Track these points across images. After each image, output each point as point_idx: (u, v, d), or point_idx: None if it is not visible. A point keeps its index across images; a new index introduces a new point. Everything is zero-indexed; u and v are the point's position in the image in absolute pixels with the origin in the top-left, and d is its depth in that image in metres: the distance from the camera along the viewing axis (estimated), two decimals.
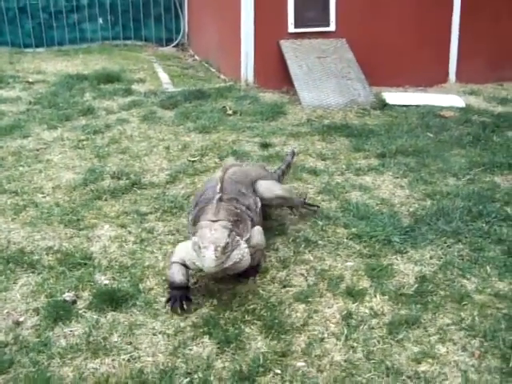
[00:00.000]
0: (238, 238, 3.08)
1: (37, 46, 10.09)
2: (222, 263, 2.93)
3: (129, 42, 10.39)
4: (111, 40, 10.35)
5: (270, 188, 3.80)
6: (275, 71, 7.14)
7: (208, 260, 2.88)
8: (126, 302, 3.17)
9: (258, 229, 3.37)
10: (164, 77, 8.04)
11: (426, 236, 3.78)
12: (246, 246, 3.11)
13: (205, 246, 2.91)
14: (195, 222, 3.29)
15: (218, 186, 3.44)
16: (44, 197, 4.45)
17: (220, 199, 3.32)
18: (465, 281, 3.33)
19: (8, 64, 8.94)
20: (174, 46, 10.39)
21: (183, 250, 3.19)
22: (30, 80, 7.86)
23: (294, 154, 4.72)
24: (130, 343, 2.87)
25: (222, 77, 8.01)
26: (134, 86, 7.45)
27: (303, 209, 4.09)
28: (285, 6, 7.10)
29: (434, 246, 3.68)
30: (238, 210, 3.33)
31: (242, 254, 3.05)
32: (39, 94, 7.15)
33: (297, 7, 7.09)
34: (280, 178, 4.26)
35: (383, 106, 6.55)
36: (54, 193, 4.51)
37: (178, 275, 3.15)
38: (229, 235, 2.99)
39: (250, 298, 3.18)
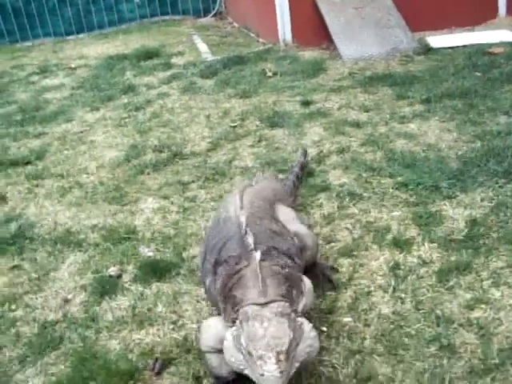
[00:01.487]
0: (299, 320, 2.13)
1: (78, 33, 10.20)
2: (288, 373, 1.99)
3: (167, 17, 10.37)
4: (149, 17, 10.36)
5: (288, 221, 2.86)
6: (313, 28, 6.94)
7: (271, 380, 1.92)
8: (169, 272, 3.15)
9: (307, 285, 2.44)
10: (203, 47, 7.97)
11: (476, 178, 3.60)
12: (310, 327, 2.15)
13: (261, 356, 1.95)
14: (215, 268, 2.47)
15: (248, 239, 2.43)
16: (88, 177, 4.48)
17: (262, 259, 2.32)
18: None
19: (51, 53, 9.09)
20: (212, 16, 10.29)
21: (212, 337, 2.30)
22: (73, 66, 7.96)
23: (306, 153, 4.02)
24: (175, 312, 2.86)
25: (261, 40, 7.86)
26: (174, 60, 7.42)
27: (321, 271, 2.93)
28: None
29: (485, 188, 3.49)
30: (286, 270, 2.36)
31: (309, 345, 2.11)
32: (82, 79, 7.22)
33: None
34: (295, 184, 3.55)
35: (427, 50, 6.27)
36: (97, 172, 4.54)
37: (221, 368, 2.29)
38: (290, 326, 2.04)
39: None
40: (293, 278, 2.35)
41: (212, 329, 2.32)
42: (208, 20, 10.19)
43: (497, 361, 2.29)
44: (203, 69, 6.72)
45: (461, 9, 7.09)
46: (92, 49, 8.95)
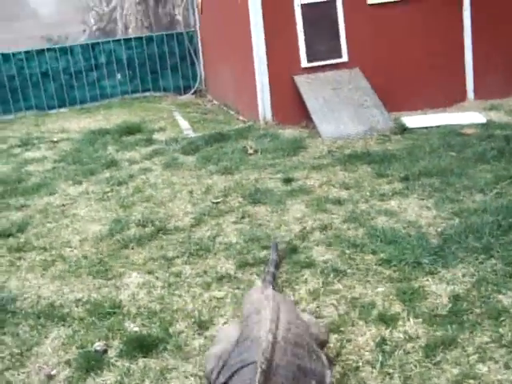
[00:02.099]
0: None
1: (60, 107, 10.40)
2: None
3: (147, 93, 10.64)
4: (130, 94, 10.63)
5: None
6: (292, 107, 7.19)
7: None
8: (156, 347, 3.13)
9: None
10: (184, 124, 8.16)
11: (457, 254, 3.69)
12: None
13: None
14: None
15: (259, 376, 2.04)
16: (72, 250, 4.48)
17: None
18: (501, 296, 3.22)
19: (34, 126, 9.21)
20: (192, 94, 10.59)
21: None
22: (55, 139, 8.06)
23: (277, 246, 3.82)
24: None
25: (241, 118, 8.08)
26: (155, 136, 7.56)
27: None
28: (296, 42, 7.19)
29: (466, 264, 3.59)
30: None
31: None
32: (64, 152, 7.31)
33: (308, 42, 7.18)
34: (274, 288, 3.11)
35: (403, 130, 6.52)
36: (81, 245, 4.54)
37: None
38: None
39: None
40: None
41: None
42: (188, 97, 10.47)
43: None
44: (185, 145, 6.87)
45: (432, 91, 7.44)
46: (74, 123, 9.10)
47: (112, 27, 19.68)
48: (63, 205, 5.50)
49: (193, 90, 10.52)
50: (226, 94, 9.06)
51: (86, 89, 10.44)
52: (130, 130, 7.89)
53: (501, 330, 2.95)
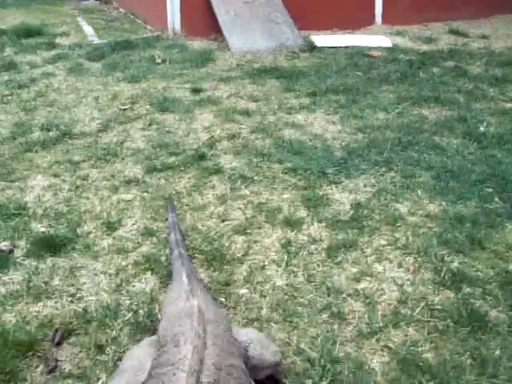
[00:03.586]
0: None
1: None
2: None
3: None
4: None
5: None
6: (202, 19, 7.05)
7: None
8: (64, 247, 3.12)
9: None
10: (88, 29, 7.81)
11: (359, 167, 3.88)
12: None
13: None
14: None
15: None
16: None
17: None
18: (398, 205, 3.44)
19: None
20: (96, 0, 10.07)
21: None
22: None
23: (173, 206, 3.26)
24: (72, 285, 2.85)
25: (149, 27, 7.84)
26: (58, 40, 7.22)
27: None
28: None
29: (368, 175, 3.77)
30: None
31: None
32: None
33: None
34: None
35: (312, 48, 6.58)
36: None
37: None
38: None
39: (190, 234, 3.19)
40: None
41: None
42: (92, 3, 9.98)
43: (381, 324, 2.52)
44: (90, 51, 6.61)
45: (342, 12, 7.50)
46: None
47: None
48: None
49: None
50: (133, 2, 8.72)
51: None
52: (29, 32, 7.44)
53: (396, 234, 3.17)
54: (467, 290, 2.73)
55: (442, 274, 2.81)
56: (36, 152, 4.26)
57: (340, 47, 6.61)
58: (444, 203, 3.46)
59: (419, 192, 3.57)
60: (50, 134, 4.53)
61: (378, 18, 7.88)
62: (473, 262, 2.93)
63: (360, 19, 7.70)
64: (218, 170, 3.88)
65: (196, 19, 7.10)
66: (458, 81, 5.60)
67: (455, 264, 2.90)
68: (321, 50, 6.53)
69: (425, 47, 6.83)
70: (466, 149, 4.14)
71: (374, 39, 6.96)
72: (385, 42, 6.88)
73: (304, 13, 7.04)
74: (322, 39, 6.82)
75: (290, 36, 6.64)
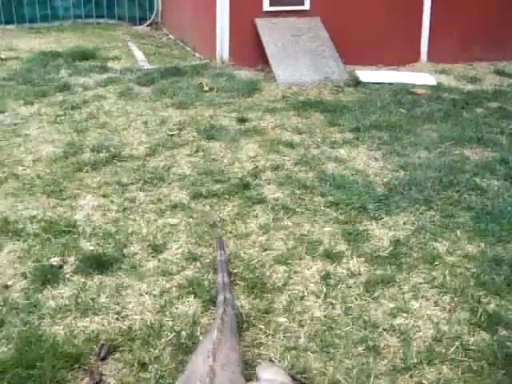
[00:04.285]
0: None
1: (6, 23, 9.97)
2: None
3: (101, 20, 10.35)
4: (83, 18, 10.30)
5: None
6: (250, 49, 7.22)
7: None
8: (111, 266, 3.26)
9: None
10: (139, 54, 8.07)
11: (400, 204, 3.94)
12: None
13: None
14: None
15: None
16: (24, 169, 4.49)
17: None
18: (436, 244, 3.50)
19: None
20: (147, 25, 10.38)
21: None
22: (3, 56, 7.82)
23: (222, 243, 3.38)
24: (118, 303, 2.97)
25: (197, 55, 8.06)
26: (110, 64, 7.47)
27: None
28: None
29: (407, 213, 3.84)
30: None
31: None
32: (13, 71, 7.13)
33: None
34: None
35: (357, 83, 6.69)
36: (34, 165, 4.55)
37: None
38: None
39: (233, 261, 3.30)
40: None
41: None
42: (143, 28, 10.28)
43: (415, 361, 2.57)
44: (140, 76, 6.83)
45: (388, 48, 7.61)
46: (23, 42, 8.83)
47: None
48: (14, 124, 5.44)
49: (149, 22, 10.32)
50: (184, 30, 8.97)
51: (36, 7, 10.06)
52: (83, 55, 7.74)
53: (434, 273, 3.22)
54: (503, 332, 2.77)
55: (478, 315, 2.85)
56: (86, 172, 4.43)
57: (384, 83, 6.71)
58: (483, 244, 3.50)
59: (458, 232, 3.62)
60: (100, 155, 4.71)
61: (424, 56, 7.96)
62: (510, 304, 2.96)
63: (405, 56, 7.79)
64: (261, 200, 3.99)
65: (244, 49, 7.28)
66: (502, 122, 5.63)
67: (492, 306, 2.95)
68: (365, 86, 6.64)
69: (469, 87, 6.88)
70: (507, 191, 4.17)
71: (419, 77, 7.05)
72: (429, 79, 6.95)
73: (350, 48, 7.17)
74: (366, 74, 6.94)
75: (336, 70, 6.77)
